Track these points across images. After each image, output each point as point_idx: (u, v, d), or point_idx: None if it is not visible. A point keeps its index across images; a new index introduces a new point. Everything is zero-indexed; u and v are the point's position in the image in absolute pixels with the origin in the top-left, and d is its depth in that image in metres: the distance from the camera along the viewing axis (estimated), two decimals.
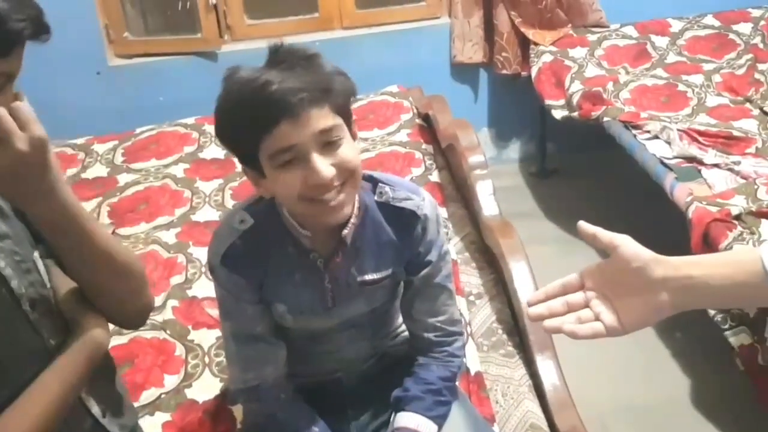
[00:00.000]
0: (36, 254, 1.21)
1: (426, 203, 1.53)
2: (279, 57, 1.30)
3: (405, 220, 1.51)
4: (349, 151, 1.34)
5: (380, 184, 1.51)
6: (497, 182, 3.77)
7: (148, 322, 2.09)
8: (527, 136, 4.19)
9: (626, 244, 1.09)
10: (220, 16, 3.77)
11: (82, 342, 1.19)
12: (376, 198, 1.50)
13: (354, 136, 1.40)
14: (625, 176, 3.31)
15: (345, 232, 1.44)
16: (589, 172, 3.91)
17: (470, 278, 2.20)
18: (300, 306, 1.52)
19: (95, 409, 1.26)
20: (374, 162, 2.81)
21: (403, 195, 1.51)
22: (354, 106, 3.14)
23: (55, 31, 3.50)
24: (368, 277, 1.52)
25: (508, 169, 4.13)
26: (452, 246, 2.31)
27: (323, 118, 1.29)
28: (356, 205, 1.45)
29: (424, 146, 2.87)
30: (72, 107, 3.67)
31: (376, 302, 1.58)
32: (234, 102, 1.30)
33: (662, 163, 2.75)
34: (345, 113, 1.35)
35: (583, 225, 1.14)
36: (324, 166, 1.29)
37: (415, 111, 3.13)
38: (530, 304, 1.16)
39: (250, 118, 1.28)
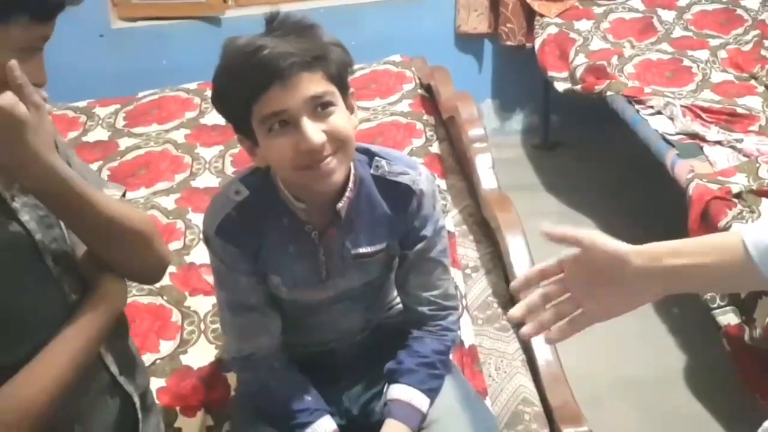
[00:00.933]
0: None
1: (422, 178, 1.53)
2: (275, 25, 1.32)
3: (400, 195, 1.51)
4: (342, 119, 1.34)
5: (377, 158, 1.51)
6: (499, 154, 3.77)
7: (145, 287, 2.12)
8: (530, 108, 4.17)
9: (597, 240, 1.10)
10: None
11: (102, 297, 1.21)
12: (372, 171, 1.50)
13: (351, 109, 1.40)
14: (627, 150, 3.30)
15: (340, 205, 1.45)
16: (592, 146, 3.89)
17: (467, 251, 2.21)
18: (294, 278, 1.52)
19: (113, 367, 1.28)
20: (375, 131, 2.80)
21: (400, 169, 1.51)
22: (356, 75, 3.16)
23: None
24: (362, 250, 1.52)
25: (510, 141, 4.12)
26: (450, 218, 2.31)
27: (314, 84, 1.30)
28: (351, 178, 1.45)
29: (425, 117, 2.86)
30: (74, 70, 3.65)
31: (370, 275, 1.59)
32: (228, 68, 1.32)
33: (664, 139, 2.74)
34: (340, 83, 1.35)
35: (548, 228, 1.13)
36: (314, 131, 1.29)
37: (417, 81, 3.11)
38: (512, 291, 1.21)
39: (242, 83, 1.29)
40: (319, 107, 1.31)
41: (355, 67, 3.18)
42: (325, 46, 1.32)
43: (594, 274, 1.11)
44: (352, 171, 1.46)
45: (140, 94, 3.27)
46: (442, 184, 2.46)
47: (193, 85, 3.28)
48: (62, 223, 1.22)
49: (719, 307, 2.24)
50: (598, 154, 3.85)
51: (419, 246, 1.56)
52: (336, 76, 1.34)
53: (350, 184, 1.45)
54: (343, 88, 1.37)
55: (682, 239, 1.12)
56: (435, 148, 2.67)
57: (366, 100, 3.02)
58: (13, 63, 1.03)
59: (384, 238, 1.54)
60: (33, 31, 1.09)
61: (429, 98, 3.01)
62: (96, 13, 3.69)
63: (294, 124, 1.30)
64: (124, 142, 2.93)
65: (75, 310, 1.18)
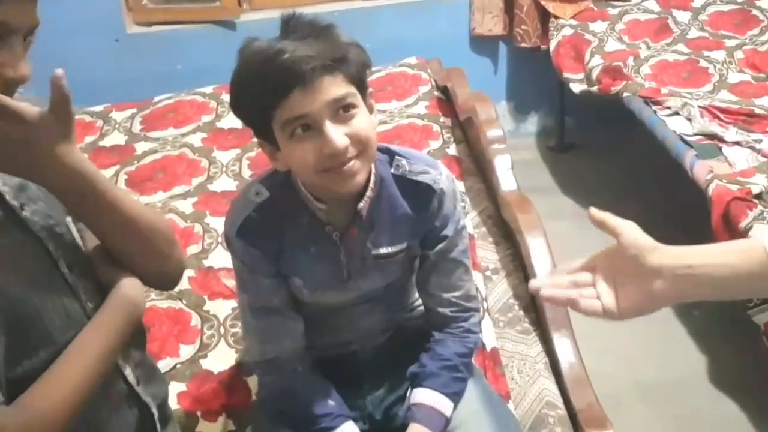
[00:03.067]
0: (69, 219, 1.22)
1: (443, 177, 1.52)
2: (291, 27, 1.30)
3: (421, 194, 1.50)
4: (363, 121, 1.33)
5: (397, 157, 1.50)
6: (515, 156, 3.73)
7: (163, 292, 2.12)
8: (546, 109, 4.16)
9: (628, 231, 1.10)
10: None
11: (120, 304, 1.19)
12: (392, 171, 1.49)
13: (370, 109, 1.39)
14: (644, 152, 3.28)
15: (361, 205, 1.44)
16: (608, 147, 3.88)
17: (487, 253, 2.19)
18: (316, 280, 1.51)
19: (131, 377, 1.26)
20: (392, 134, 2.79)
21: (420, 168, 1.50)
22: (372, 77, 3.15)
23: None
24: (383, 250, 1.51)
25: (525, 143, 4.10)
26: (469, 220, 2.30)
27: (336, 87, 1.28)
28: (372, 178, 1.45)
29: (442, 119, 2.85)
30: (91, 75, 3.65)
31: (391, 276, 1.57)
32: (247, 72, 1.30)
33: (682, 140, 2.72)
34: (359, 84, 1.34)
35: (594, 211, 1.14)
36: (337, 135, 1.28)
37: (433, 83, 3.11)
38: (531, 288, 1.18)
39: (262, 88, 1.27)
40: (341, 110, 1.30)
41: (371, 69, 3.24)
42: (344, 46, 1.31)
43: (618, 270, 1.11)
44: (373, 170, 1.45)
45: (156, 98, 3.27)
46: (461, 186, 2.45)
47: (209, 89, 3.28)
48: (74, 232, 1.21)
49: (755, 305, 2.22)
50: (614, 156, 3.83)
51: (440, 246, 1.54)
52: (356, 76, 1.33)
53: (371, 184, 1.45)
54: (362, 88, 1.36)
55: (707, 245, 1.11)
56: (452, 150, 2.66)
57: (382, 103, 3.01)
58: None
59: (405, 237, 1.53)
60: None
61: (445, 100, 3.00)
62: (111, 19, 3.71)
63: (316, 128, 1.29)
64: (140, 147, 2.94)
65: (93, 317, 1.16)
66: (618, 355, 2.66)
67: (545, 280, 1.16)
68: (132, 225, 1.18)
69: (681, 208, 3.03)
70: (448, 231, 1.54)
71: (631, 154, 3.67)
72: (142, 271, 1.24)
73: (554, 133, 4.07)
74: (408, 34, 3.81)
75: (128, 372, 1.26)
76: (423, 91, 3.06)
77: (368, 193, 1.44)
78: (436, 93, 3.05)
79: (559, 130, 4.02)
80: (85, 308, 1.17)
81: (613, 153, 3.84)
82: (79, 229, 1.24)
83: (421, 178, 1.49)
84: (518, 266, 2.11)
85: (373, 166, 1.45)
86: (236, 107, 1.38)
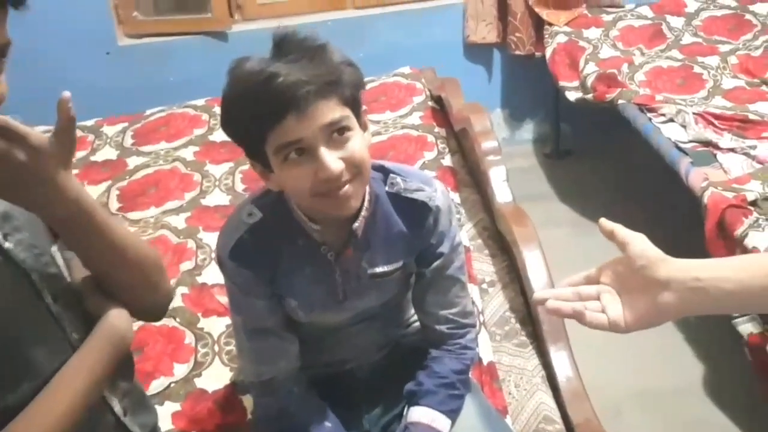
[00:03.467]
0: (54, 248, 1.19)
1: (438, 194, 1.50)
2: (284, 48, 1.26)
3: (416, 212, 1.48)
4: (358, 143, 1.31)
5: (391, 175, 1.49)
6: (510, 164, 3.73)
7: None
8: (541, 116, 4.14)
9: (635, 242, 1.09)
10: None
11: (106, 335, 1.16)
12: (387, 189, 1.48)
13: (364, 126, 1.37)
14: (640, 158, 3.27)
15: (356, 225, 1.42)
16: (604, 154, 3.87)
17: (483, 266, 2.18)
18: (311, 301, 1.50)
19: (117, 408, 1.24)
20: (386, 145, 2.78)
21: (415, 186, 1.49)
22: (366, 88, 3.12)
23: (64, 11, 3.48)
24: (379, 269, 1.50)
25: (521, 151, 4.09)
26: (465, 232, 2.28)
27: (330, 111, 1.26)
28: (367, 197, 1.43)
29: (436, 129, 2.84)
30: (82, 88, 3.56)
31: (387, 295, 1.56)
32: (239, 95, 1.27)
33: (677, 147, 2.71)
34: (354, 104, 1.32)
35: (604, 222, 1.13)
36: (332, 160, 1.26)
37: (427, 93, 3.09)
38: (535, 300, 1.16)
39: (256, 112, 1.25)
40: (336, 133, 1.27)
41: (365, 79, 3.22)
42: (338, 68, 1.28)
43: (625, 281, 1.10)
44: (368, 189, 1.43)
45: (148, 112, 3.25)
46: (456, 197, 2.43)
47: (201, 102, 3.26)
48: (60, 262, 1.19)
49: (740, 316, 2.21)
50: (611, 163, 3.82)
51: (436, 263, 1.53)
52: (350, 97, 1.30)
53: (366, 203, 1.43)
54: (356, 108, 1.33)
55: (716, 258, 1.10)
56: (447, 160, 2.65)
57: (376, 113, 3.00)
58: (3, 118, 0.98)
59: (401, 256, 1.51)
60: None
61: (440, 110, 2.98)
62: (102, 31, 3.68)
63: (311, 153, 1.26)
64: (132, 161, 2.92)
65: (79, 349, 1.14)
66: (616, 365, 2.65)
67: (549, 292, 1.14)
68: (123, 254, 1.16)
69: (677, 215, 3.02)
70: (444, 248, 1.52)
71: (628, 160, 3.66)
72: (130, 301, 1.22)
73: (550, 140, 4.06)
74: (402, 43, 3.80)
75: (115, 403, 1.23)
76: (417, 101, 3.04)
77: (363, 212, 1.43)
78: (430, 103, 3.03)
79: (554, 137, 4.01)
80: (69, 340, 1.15)
81: (609, 159, 3.84)
82: (66, 258, 1.21)
83: (416, 195, 1.48)
84: (514, 278, 2.09)
85: (367, 185, 1.43)
86: (227, 127, 1.35)
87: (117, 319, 1.18)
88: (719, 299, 1.05)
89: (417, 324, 1.67)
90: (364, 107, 1.38)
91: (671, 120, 2.86)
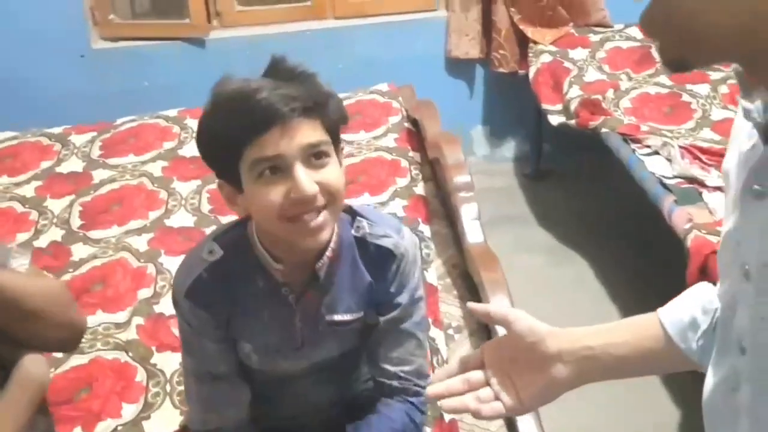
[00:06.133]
0: None
1: (405, 242, 1.44)
2: (276, 69, 1.27)
3: (381, 259, 1.42)
4: (334, 172, 1.28)
5: (358, 218, 1.43)
6: (489, 182, 3.67)
7: (111, 340, 2.03)
8: (522, 135, 4.06)
9: (520, 318, 1.07)
10: (209, 2, 3.64)
11: (24, 383, 1.17)
12: (353, 232, 1.42)
13: (340, 163, 1.32)
14: (622, 184, 3.14)
15: (318, 265, 1.36)
16: (586, 177, 3.79)
17: (450, 308, 2.09)
18: (267, 346, 1.44)
19: None
20: (359, 168, 2.70)
21: (381, 231, 1.43)
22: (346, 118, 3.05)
23: (38, 11, 3.41)
24: (337, 317, 1.43)
25: (501, 169, 4.01)
26: (434, 269, 2.20)
27: (313, 132, 1.24)
28: (333, 238, 1.37)
29: (411, 154, 2.76)
30: (53, 91, 3.56)
31: (346, 345, 1.49)
32: (221, 107, 1.25)
33: (661, 183, 2.60)
34: (335, 135, 1.30)
35: (473, 305, 1.14)
36: (308, 181, 1.22)
37: (404, 113, 3.01)
38: (432, 381, 1.14)
39: (238, 123, 1.21)
40: (314, 157, 1.25)
41: (342, 95, 3.12)
42: (326, 94, 1.28)
43: (513, 360, 1.08)
44: (335, 230, 1.37)
45: (118, 121, 3.16)
46: (426, 230, 2.35)
47: (173, 112, 3.16)
48: None
49: None
50: (592, 186, 3.74)
51: (393, 314, 1.46)
52: (333, 127, 1.29)
53: (331, 244, 1.37)
54: (336, 140, 1.31)
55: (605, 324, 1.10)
56: (420, 189, 2.57)
57: (351, 133, 2.91)
58: None
59: (362, 305, 1.44)
60: None
61: (416, 132, 2.90)
62: (76, 33, 3.60)
63: (286, 172, 1.23)
64: (98, 174, 2.82)
65: None
66: (586, 418, 2.53)
67: (441, 386, 1.10)
68: (21, 306, 1.15)
69: (658, 247, 2.93)
70: (403, 299, 1.46)
71: (610, 186, 3.55)
72: (37, 342, 1.22)
73: (531, 160, 3.98)
74: (382, 55, 3.72)
75: None
76: (393, 122, 2.96)
77: (328, 252, 1.37)
78: (406, 124, 2.95)
79: (535, 156, 3.93)
80: None
81: (591, 183, 3.75)
82: None
83: (381, 242, 1.42)
84: (482, 325, 2.00)
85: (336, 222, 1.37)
86: (204, 142, 1.31)
87: (32, 366, 1.20)
88: (612, 365, 1.04)
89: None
90: (343, 144, 1.36)
91: (656, 152, 2.77)
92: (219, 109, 1.26)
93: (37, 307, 1.18)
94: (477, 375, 1.10)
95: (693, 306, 1.04)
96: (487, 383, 1.09)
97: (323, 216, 1.26)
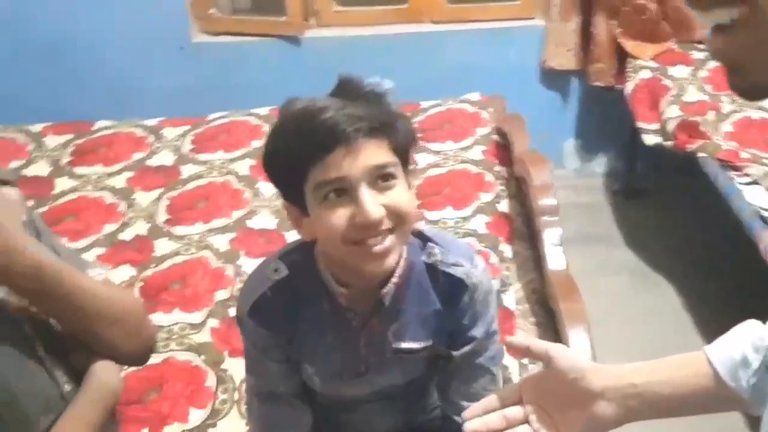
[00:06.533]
0: None
1: (478, 271, 1.38)
2: (344, 88, 1.23)
3: (452, 288, 1.37)
4: (402, 195, 1.22)
5: (430, 244, 1.37)
6: (577, 198, 3.58)
7: (185, 341, 2.05)
8: (615, 151, 3.93)
9: (562, 354, 1.05)
10: (308, 0, 3.65)
11: (97, 389, 1.15)
12: (423, 258, 1.37)
13: (410, 186, 1.28)
14: (717, 211, 3.00)
15: (384, 290, 1.32)
16: (678, 199, 3.64)
17: (528, 336, 2.04)
18: (330, 369, 1.41)
19: None
20: (443, 180, 2.67)
21: (453, 259, 1.37)
22: (431, 111, 3.04)
23: (143, 4, 3.53)
24: (404, 345, 1.38)
25: (590, 184, 3.90)
26: (512, 293, 2.14)
27: (380, 153, 1.19)
28: (401, 263, 1.32)
29: (497, 168, 2.71)
30: (151, 82, 3.66)
31: (412, 374, 1.45)
32: (287, 127, 1.22)
33: (760, 216, 2.47)
34: (404, 157, 1.25)
35: (513, 340, 1.13)
36: (373, 204, 1.17)
37: (492, 125, 2.95)
38: (466, 418, 1.11)
39: (302, 143, 1.18)
40: (381, 179, 1.19)
41: (431, 102, 3.12)
42: (394, 114, 1.23)
43: (554, 397, 1.05)
44: (404, 255, 1.33)
45: (210, 116, 3.22)
46: (507, 250, 2.31)
47: (264, 110, 3.19)
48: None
49: None
50: (685, 209, 3.58)
51: (467, 348, 1.41)
52: (402, 147, 1.23)
53: (398, 270, 1.32)
54: (405, 162, 1.26)
55: (651, 361, 1.06)
56: (504, 205, 2.51)
57: (438, 143, 2.89)
58: None
59: (430, 334, 1.39)
60: None
61: (504, 145, 2.84)
62: (177, 26, 3.66)
63: (351, 195, 1.18)
64: (187, 170, 2.88)
65: (69, 406, 1.12)
66: None
67: (478, 423, 1.07)
68: (98, 313, 1.15)
69: (748, 283, 2.80)
70: (477, 332, 1.40)
71: (703, 211, 3.37)
72: (111, 352, 1.21)
73: (622, 177, 3.86)
74: (475, 62, 3.65)
75: None
76: (481, 133, 2.91)
77: (394, 279, 1.32)
78: (494, 137, 2.89)
79: (627, 174, 3.81)
80: (62, 392, 1.13)
81: (683, 207, 3.60)
82: None
83: (453, 270, 1.36)
84: None
85: (404, 249, 1.33)
86: (269, 162, 1.26)
87: (104, 373, 1.18)
88: (657, 403, 1.02)
89: (439, 411, 1.56)
90: (413, 166, 1.30)
91: (756, 182, 2.64)
92: (284, 129, 1.23)
93: (113, 314, 1.18)
94: (515, 411, 1.08)
95: (743, 343, 1.00)
96: (526, 420, 1.07)
97: (389, 241, 1.21)
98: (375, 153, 1.18)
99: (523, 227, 2.45)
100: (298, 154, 1.19)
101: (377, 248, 1.20)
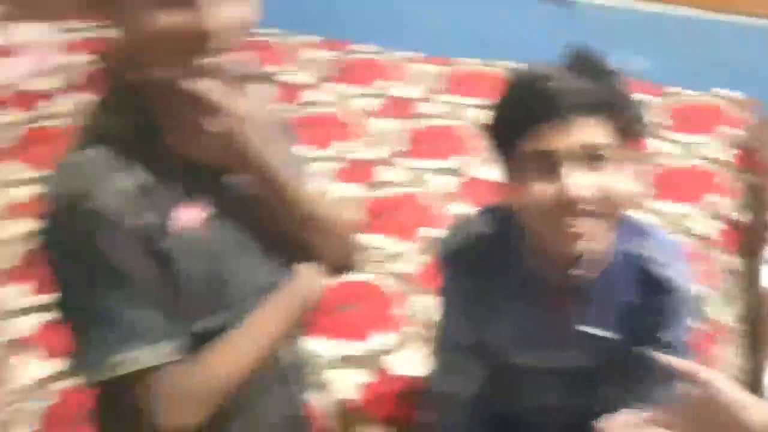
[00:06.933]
0: None
1: (685, 275, 1.33)
2: (575, 62, 1.19)
3: (653, 287, 1.32)
4: (616, 179, 1.18)
5: (641, 237, 1.33)
6: None
7: (388, 266, 2.16)
8: None
9: (723, 386, 0.99)
10: None
11: (300, 288, 1.20)
12: (631, 249, 1.32)
13: (629, 171, 1.22)
14: None
15: (580, 271, 1.28)
16: None
17: (728, 355, 1.93)
18: (511, 336, 1.41)
19: (284, 359, 1.28)
20: (678, 174, 2.59)
21: (662, 258, 1.32)
22: (680, 99, 2.87)
23: None
24: (589, 329, 1.36)
25: None
26: (720, 306, 2.04)
27: (596, 131, 1.16)
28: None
29: (738, 173, 2.57)
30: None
31: (592, 361, 1.41)
32: (509, 93, 1.22)
33: None
34: (626, 140, 1.20)
35: (672, 360, 1.05)
36: (579, 182, 1.15)
37: (743, 128, 2.80)
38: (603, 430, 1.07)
39: (518, 112, 1.18)
40: (593, 159, 1.16)
41: (689, 92, 2.98)
42: (619, 95, 1.19)
43: (706, 425, 1.00)
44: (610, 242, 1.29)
45: None
46: (732, 262, 2.21)
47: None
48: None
49: None
50: None
51: (649, 349, 1.35)
52: (623, 130, 1.19)
53: (598, 255, 1.28)
54: (627, 146, 1.21)
55: None
56: (737, 214, 2.39)
57: (680, 133, 2.80)
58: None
59: (618, 327, 1.36)
60: None
61: (749, 150, 2.68)
62: None
63: (560, 170, 1.16)
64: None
65: (271, 297, 1.18)
66: None
67: None
68: (314, 220, 1.19)
69: None
70: (665, 336, 1.35)
71: None
72: (319, 258, 1.24)
73: None
74: (745, 57, 3.39)
75: (282, 354, 1.27)
76: (727, 132, 2.77)
77: (595, 263, 1.29)
78: (738, 140, 2.74)
79: None
80: (271, 279, 1.19)
81: None
82: None
83: (659, 269, 1.31)
84: (756, 380, 1.83)
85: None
86: (493, 123, 1.26)
87: (309, 274, 1.22)
88: None
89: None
90: (641, 152, 1.27)
91: None
92: (508, 96, 1.22)
93: (327, 225, 1.22)
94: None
95: None
96: None
97: (591, 223, 1.18)
98: (591, 131, 1.15)
99: (749, 240, 2.31)
100: (512, 120, 1.19)
101: (577, 229, 1.17)
